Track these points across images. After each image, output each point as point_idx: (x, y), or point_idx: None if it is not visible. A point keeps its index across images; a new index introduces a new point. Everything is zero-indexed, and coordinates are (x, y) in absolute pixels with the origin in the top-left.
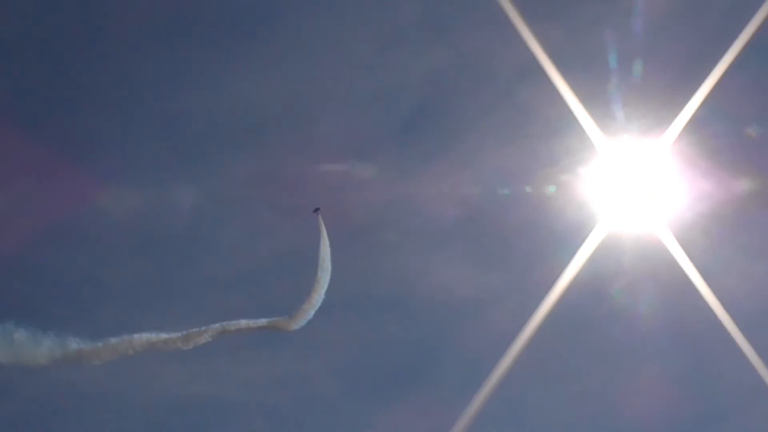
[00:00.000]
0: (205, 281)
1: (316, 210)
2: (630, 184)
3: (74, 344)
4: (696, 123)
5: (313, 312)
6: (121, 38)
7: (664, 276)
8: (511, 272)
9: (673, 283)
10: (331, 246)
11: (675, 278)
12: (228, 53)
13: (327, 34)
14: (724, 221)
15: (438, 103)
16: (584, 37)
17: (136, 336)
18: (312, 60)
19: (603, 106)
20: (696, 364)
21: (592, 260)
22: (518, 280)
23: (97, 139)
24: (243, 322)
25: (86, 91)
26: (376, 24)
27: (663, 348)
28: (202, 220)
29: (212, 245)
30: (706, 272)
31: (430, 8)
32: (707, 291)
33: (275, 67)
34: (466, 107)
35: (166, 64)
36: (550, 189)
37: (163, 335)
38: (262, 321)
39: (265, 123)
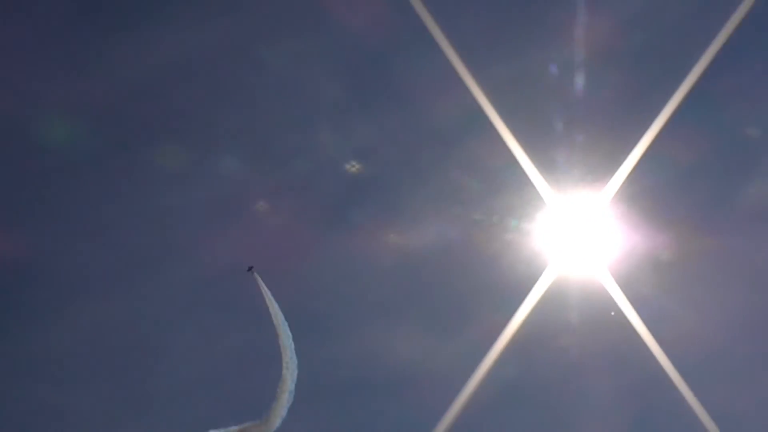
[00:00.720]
0: (165, 394)
1: (250, 268)
2: (574, 234)
3: None
4: (637, 173)
5: (286, 410)
6: None
7: (607, 323)
8: (460, 328)
9: (616, 330)
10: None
11: (617, 325)
12: None
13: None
14: (663, 268)
15: (377, 164)
16: (526, 86)
17: None
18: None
19: (546, 156)
20: (637, 412)
21: (538, 309)
22: (467, 334)
23: None
24: None
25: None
26: (298, 107)
27: (604, 393)
28: (149, 330)
29: (164, 354)
30: (647, 318)
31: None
32: (648, 336)
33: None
34: (409, 164)
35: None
36: (497, 239)
37: None
38: (233, 429)
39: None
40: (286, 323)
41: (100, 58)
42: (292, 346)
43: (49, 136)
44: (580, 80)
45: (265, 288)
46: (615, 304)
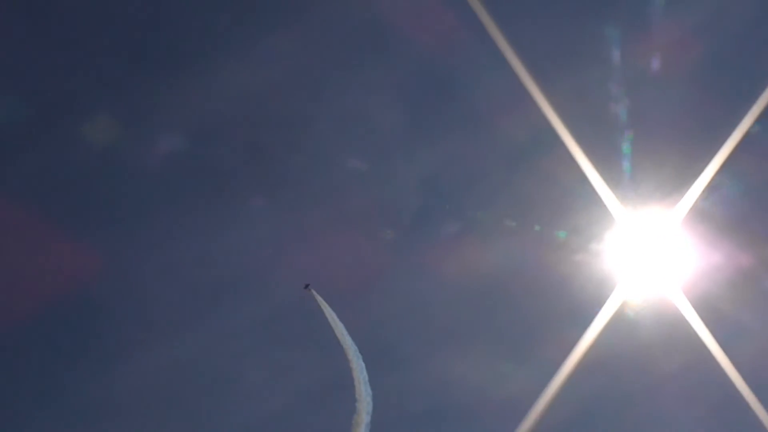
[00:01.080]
0: (238, 431)
1: (307, 286)
2: (646, 253)
3: None
4: (712, 188)
5: None
6: None
7: (681, 345)
8: (531, 351)
9: (690, 352)
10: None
11: (691, 347)
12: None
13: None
14: (739, 287)
15: (445, 186)
16: (595, 101)
17: None
18: (306, 174)
19: (617, 172)
20: None
21: (609, 330)
22: (537, 357)
23: None
24: None
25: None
26: (366, 132)
27: (680, 418)
28: (220, 366)
29: (236, 390)
30: (723, 339)
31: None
32: (724, 358)
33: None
34: (477, 185)
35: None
36: (568, 259)
37: None
38: None
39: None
40: (358, 354)
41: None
42: (366, 377)
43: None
44: (651, 93)
45: (327, 306)
46: (689, 324)
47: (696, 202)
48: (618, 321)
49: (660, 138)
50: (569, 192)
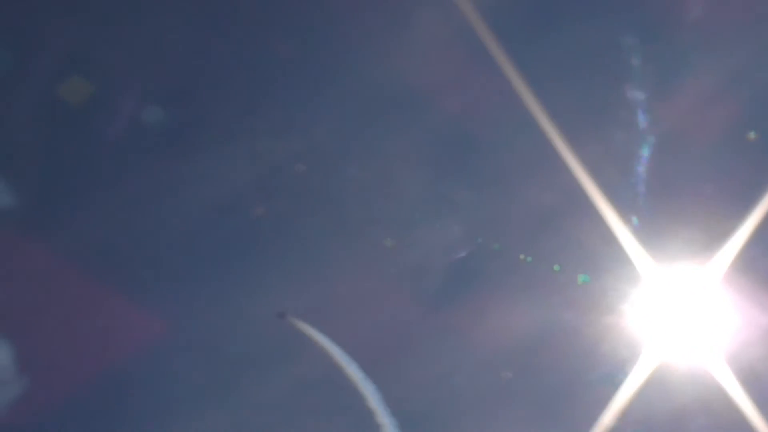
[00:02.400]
0: None
1: (281, 315)
2: (679, 314)
3: None
4: (749, 247)
5: None
6: None
7: (717, 413)
8: (557, 419)
9: (728, 422)
10: None
11: (729, 416)
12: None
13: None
14: None
15: (469, 251)
16: (623, 156)
17: None
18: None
19: (647, 228)
20: None
21: (639, 396)
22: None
23: None
24: None
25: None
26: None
27: None
28: None
29: None
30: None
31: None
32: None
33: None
34: (504, 247)
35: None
36: (596, 322)
37: None
38: None
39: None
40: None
41: None
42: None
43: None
44: (682, 145)
45: (315, 332)
46: (726, 392)
47: (735, 257)
48: (649, 388)
49: (695, 189)
50: (598, 252)
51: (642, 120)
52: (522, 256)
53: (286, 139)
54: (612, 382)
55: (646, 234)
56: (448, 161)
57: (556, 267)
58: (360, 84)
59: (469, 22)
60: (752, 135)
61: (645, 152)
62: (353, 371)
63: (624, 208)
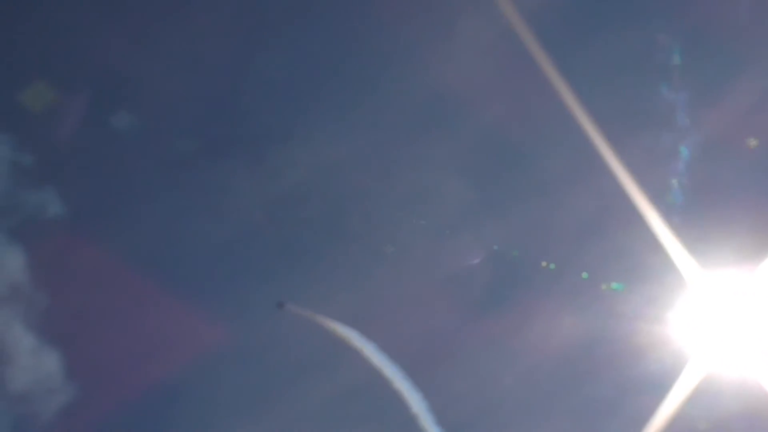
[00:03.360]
0: None
1: (281, 305)
2: (727, 322)
3: None
4: None
5: None
6: None
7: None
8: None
9: None
10: None
11: None
12: None
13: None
14: None
15: (512, 260)
16: (667, 162)
17: None
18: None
19: (693, 237)
20: None
21: (685, 407)
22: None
23: None
24: None
25: None
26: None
27: None
28: None
29: None
30: None
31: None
32: None
33: None
34: (548, 254)
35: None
36: (641, 331)
37: None
38: None
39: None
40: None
41: None
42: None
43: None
44: (727, 152)
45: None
46: None
47: None
48: (695, 398)
49: (741, 195)
50: (642, 260)
51: (686, 125)
52: (554, 265)
53: (324, 146)
54: (659, 390)
55: (692, 240)
56: (488, 168)
57: (584, 275)
58: (400, 92)
59: (511, 28)
60: None
61: (690, 157)
62: (392, 373)
63: (669, 214)
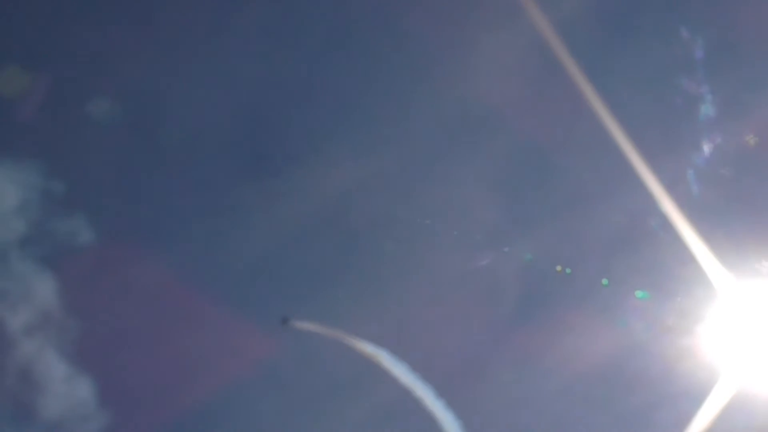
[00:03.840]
0: None
1: (285, 321)
2: (760, 332)
3: None
4: None
5: None
6: None
7: None
8: None
9: None
10: None
11: None
12: None
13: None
14: None
15: (549, 267)
16: (700, 173)
17: None
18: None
19: (724, 244)
20: None
21: (717, 421)
22: None
23: None
24: None
25: None
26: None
27: None
28: None
29: None
30: None
31: None
32: None
33: None
34: (580, 268)
35: None
36: (673, 344)
37: None
38: None
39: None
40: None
41: None
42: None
43: None
44: (758, 160)
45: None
46: None
47: None
48: (727, 414)
49: None
50: (675, 269)
51: (720, 135)
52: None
53: (356, 160)
54: (692, 403)
55: (724, 250)
56: (517, 180)
57: (604, 281)
58: (429, 103)
59: (539, 38)
60: None
61: (722, 166)
62: (424, 393)
63: (700, 223)
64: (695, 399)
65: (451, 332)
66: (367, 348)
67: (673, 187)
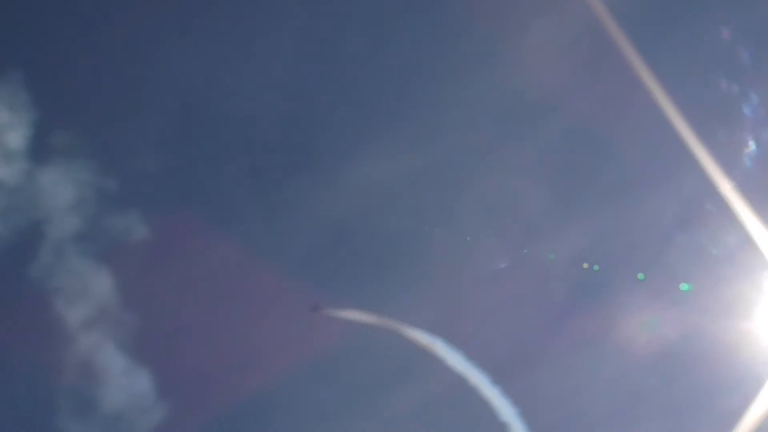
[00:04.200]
0: None
1: (315, 308)
2: None
3: None
4: None
5: None
6: None
7: None
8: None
9: None
10: None
11: None
12: None
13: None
14: None
15: (602, 255)
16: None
17: None
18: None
19: None
20: None
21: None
22: None
23: None
24: None
25: None
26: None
27: None
28: None
29: None
30: None
31: None
32: None
33: None
34: (633, 255)
35: None
36: (724, 337)
37: None
38: None
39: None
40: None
41: None
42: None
43: None
44: None
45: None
46: None
47: None
48: None
49: None
50: (728, 261)
51: None
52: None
53: (411, 151)
54: (749, 390)
55: None
56: (572, 171)
57: (640, 276)
58: (484, 92)
59: (596, 24)
60: None
61: None
62: (479, 381)
63: (761, 211)
64: (753, 385)
65: (506, 321)
66: (423, 337)
67: (731, 171)
